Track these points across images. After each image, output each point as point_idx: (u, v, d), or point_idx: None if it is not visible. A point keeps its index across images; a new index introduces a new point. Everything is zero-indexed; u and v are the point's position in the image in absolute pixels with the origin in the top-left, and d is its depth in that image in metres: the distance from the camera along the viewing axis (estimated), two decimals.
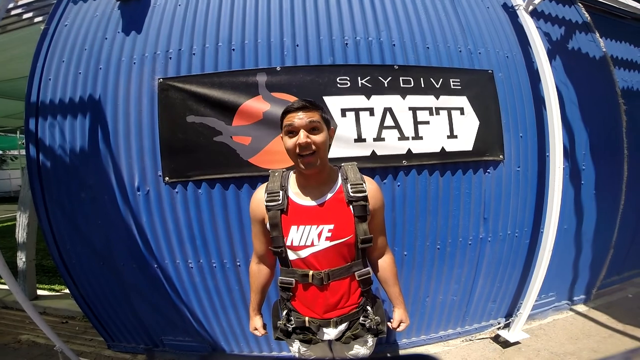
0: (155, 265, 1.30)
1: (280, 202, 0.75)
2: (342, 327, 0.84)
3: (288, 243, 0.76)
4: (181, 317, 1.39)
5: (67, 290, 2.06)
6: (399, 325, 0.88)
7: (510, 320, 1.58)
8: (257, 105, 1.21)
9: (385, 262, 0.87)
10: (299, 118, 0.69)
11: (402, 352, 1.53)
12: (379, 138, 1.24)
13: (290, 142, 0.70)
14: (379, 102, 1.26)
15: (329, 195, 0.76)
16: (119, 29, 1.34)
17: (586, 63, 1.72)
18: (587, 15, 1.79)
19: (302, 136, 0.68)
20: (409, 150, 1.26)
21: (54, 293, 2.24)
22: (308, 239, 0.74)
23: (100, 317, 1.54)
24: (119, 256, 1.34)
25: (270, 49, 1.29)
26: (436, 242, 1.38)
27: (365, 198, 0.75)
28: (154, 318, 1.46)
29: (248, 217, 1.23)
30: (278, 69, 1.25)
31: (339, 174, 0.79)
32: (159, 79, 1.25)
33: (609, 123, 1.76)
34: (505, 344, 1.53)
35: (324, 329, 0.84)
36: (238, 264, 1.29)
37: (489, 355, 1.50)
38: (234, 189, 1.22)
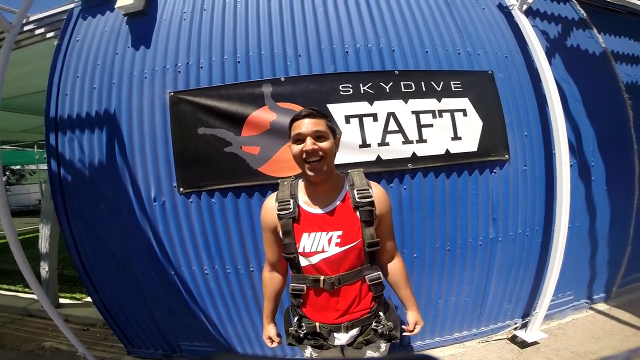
0: (172, 272, 1.35)
1: (291, 210, 0.78)
2: (354, 332, 0.85)
3: (300, 250, 0.78)
4: (197, 322, 1.43)
5: (88, 299, 2.14)
6: (414, 328, 0.88)
7: (527, 320, 1.55)
8: (264, 115, 1.25)
9: (394, 266, 0.88)
10: (306, 126, 0.72)
11: (402, 352, 1.52)
12: (383, 143, 1.26)
13: (297, 149, 0.73)
14: (381, 107, 1.29)
15: (337, 203, 0.78)
16: (128, 44, 1.41)
17: (586, 59, 1.71)
18: (582, 11, 1.79)
19: (309, 143, 0.71)
20: (414, 154, 1.28)
21: (75, 301, 2.32)
22: (319, 246, 0.77)
23: (120, 323, 1.60)
24: (138, 264, 1.40)
25: (274, 60, 1.34)
26: (446, 243, 1.38)
27: (371, 203, 0.77)
28: (171, 323, 1.50)
29: (260, 225, 1.28)
30: (282, 79, 1.30)
31: (346, 181, 0.82)
32: (170, 92, 1.31)
33: (616, 118, 1.74)
34: (523, 344, 1.50)
35: (335, 334, 0.85)
36: (251, 269, 1.33)
37: (506, 355, 1.47)
38: (245, 198, 1.26)
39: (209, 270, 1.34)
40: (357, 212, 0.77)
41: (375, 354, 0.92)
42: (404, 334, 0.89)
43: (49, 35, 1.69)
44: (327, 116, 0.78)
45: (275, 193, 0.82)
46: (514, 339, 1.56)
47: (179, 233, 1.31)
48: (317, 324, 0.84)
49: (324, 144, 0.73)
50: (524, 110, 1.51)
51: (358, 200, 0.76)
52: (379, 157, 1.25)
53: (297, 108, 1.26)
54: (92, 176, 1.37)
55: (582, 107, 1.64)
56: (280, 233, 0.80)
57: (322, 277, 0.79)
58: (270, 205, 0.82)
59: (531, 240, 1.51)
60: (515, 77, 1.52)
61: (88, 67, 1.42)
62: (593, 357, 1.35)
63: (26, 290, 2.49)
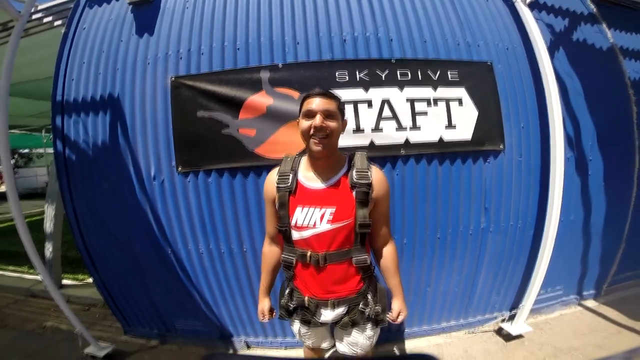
0: (169, 251, 1.40)
1: (289, 183, 0.81)
2: (340, 310, 0.87)
3: (293, 223, 0.81)
4: (192, 301, 1.48)
5: (89, 280, 2.21)
6: (398, 316, 0.89)
7: (514, 313, 1.56)
8: (261, 99, 1.28)
9: (387, 252, 0.89)
10: (317, 104, 0.74)
11: (402, 351, 1.53)
12: (377, 129, 1.28)
13: (306, 124, 0.75)
14: (377, 94, 1.31)
15: (335, 180, 0.80)
16: (132, 31, 1.45)
17: (592, 54, 1.69)
18: (592, 6, 1.76)
19: (318, 119, 0.73)
20: (407, 140, 1.29)
21: (77, 282, 2.39)
22: (311, 220, 0.79)
23: (119, 302, 1.65)
24: (137, 243, 1.45)
25: (272, 47, 1.37)
26: (436, 231, 1.39)
27: (368, 185, 0.78)
28: (167, 303, 1.55)
29: (254, 205, 1.32)
30: (280, 65, 1.32)
31: (347, 161, 0.84)
32: (172, 77, 1.35)
33: (618, 114, 1.72)
34: (508, 337, 1.52)
35: (322, 310, 0.87)
36: (244, 249, 1.36)
37: (490, 347, 1.49)
38: (240, 178, 1.30)
39: (204, 250, 1.38)
40: (354, 192, 0.78)
41: (361, 337, 0.94)
42: (388, 317, 0.90)
43: (56, 23, 1.74)
44: (339, 99, 0.79)
45: (278, 167, 0.85)
46: (500, 332, 1.58)
47: (177, 211, 1.35)
48: (306, 297, 0.87)
49: (332, 123, 0.75)
50: (522, 102, 1.51)
51: (355, 180, 0.78)
52: (372, 142, 1.27)
53: (294, 93, 1.29)
54: (96, 156, 1.41)
55: (584, 101, 1.62)
56: (277, 205, 0.83)
57: (309, 252, 0.81)
58: (271, 178, 0.86)
59: (523, 233, 1.51)
60: (515, 69, 1.52)
61: (94, 54, 1.46)
62: (575, 354, 1.36)
63: (31, 271, 2.58)
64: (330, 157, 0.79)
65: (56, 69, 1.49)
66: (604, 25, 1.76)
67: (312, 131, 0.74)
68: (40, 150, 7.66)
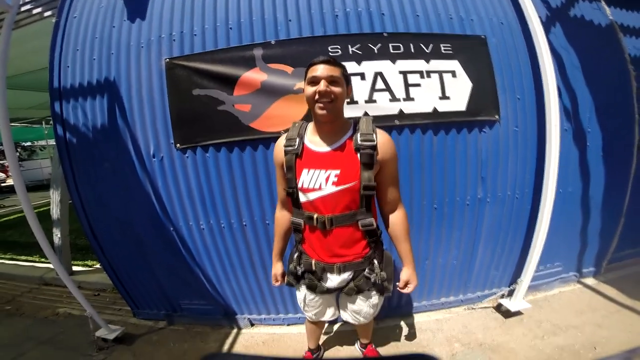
0: (171, 228, 1.43)
1: (296, 147, 0.83)
2: (346, 275, 0.88)
3: (299, 185, 0.83)
4: (195, 279, 1.51)
5: (98, 265, 2.26)
6: (405, 286, 0.88)
7: (512, 288, 1.56)
8: (255, 76, 1.29)
9: (396, 218, 0.88)
10: (322, 70, 0.75)
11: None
12: (370, 100, 1.29)
13: (311, 90, 0.76)
14: (369, 67, 1.31)
15: (340, 143, 0.82)
16: (124, 17, 1.46)
17: (590, 30, 1.67)
18: None
19: (323, 85, 0.74)
20: (401, 111, 1.30)
21: (87, 268, 2.46)
22: (317, 183, 0.81)
23: (127, 285, 1.69)
24: (139, 222, 1.48)
25: (264, 26, 1.37)
26: (433, 201, 1.40)
27: (373, 147, 0.78)
28: (172, 283, 1.59)
29: (252, 178, 1.35)
30: (273, 42, 1.33)
31: (352, 126, 0.85)
32: (166, 59, 1.37)
33: (617, 88, 1.70)
34: (507, 314, 1.53)
35: (328, 275, 0.89)
36: (244, 223, 1.39)
37: (489, 324, 1.50)
38: (237, 152, 1.32)
39: (205, 225, 1.41)
40: (358, 155, 0.79)
41: (365, 305, 0.96)
42: (397, 288, 0.90)
43: (46, 14, 1.76)
44: (344, 66, 0.80)
45: (287, 133, 0.88)
46: (499, 308, 1.58)
47: (177, 187, 1.38)
48: (313, 260, 0.89)
49: (337, 89, 0.76)
50: (518, 75, 1.50)
51: (360, 143, 0.79)
52: (365, 114, 1.28)
53: (287, 69, 1.30)
54: (96, 138, 1.44)
55: (581, 75, 1.60)
56: (285, 168, 0.86)
57: (315, 215, 0.83)
58: (280, 143, 0.88)
59: (521, 204, 1.52)
60: (510, 43, 1.51)
61: (87, 40, 1.48)
62: (574, 332, 1.37)
63: (42, 260, 2.65)
64: (335, 122, 0.81)
65: (50, 57, 1.51)
66: (603, 3, 1.73)
67: (316, 97, 0.75)
68: (43, 143, 7.69)
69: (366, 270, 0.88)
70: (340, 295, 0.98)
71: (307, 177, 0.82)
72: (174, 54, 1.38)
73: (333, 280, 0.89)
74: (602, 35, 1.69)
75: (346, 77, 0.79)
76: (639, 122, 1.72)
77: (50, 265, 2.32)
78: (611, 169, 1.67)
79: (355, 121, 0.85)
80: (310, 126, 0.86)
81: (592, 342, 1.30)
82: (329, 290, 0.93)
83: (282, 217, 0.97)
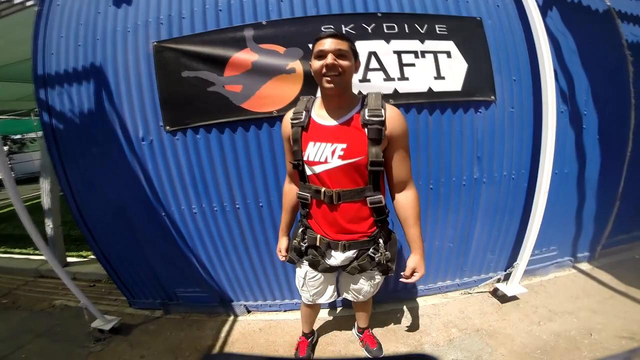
0: (163, 214, 1.40)
1: (302, 119, 0.82)
2: (350, 253, 0.87)
3: (305, 158, 0.82)
4: (190, 266, 1.50)
5: (93, 256, 2.20)
6: (411, 274, 0.85)
7: (509, 272, 1.57)
8: (246, 56, 1.26)
9: (406, 198, 0.85)
10: (329, 44, 0.73)
11: (398, 311, 1.55)
12: (364, 79, 1.26)
13: (318, 64, 0.74)
14: (363, 46, 1.28)
15: (347, 117, 0.80)
16: (109, 2, 1.41)
17: (587, 16, 1.65)
18: None
19: (330, 58, 0.72)
20: (395, 90, 1.28)
21: (81, 259, 2.43)
22: (322, 156, 0.80)
23: (121, 274, 1.67)
24: (130, 208, 1.45)
25: (255, 7, 1.33)
26: (429, 181, 1.39)
27: (381, 122, 0.76)
28: (166, 270, 1.57)
29: (244, 160, 1.32)
30: (264, 23, 1.29)
31: (360, 100, 0.83)
32: (154, 42, 1.33)
33: (614, 73, 1.69)
34: (503, 299, 1.53)
35: (333, 252, 0.88)
36: (237, 206, 1.37)
37: (486, 309, 1.50)
38: (229, 133, 1.29)
39: (197, 209, 1.38)
40: (365, 130, 0.77)
41: (367, 284, 0.95)
42: (400, 279, 0.87)
43: (28, 3, 1.69)
44: (351, 40, 0.78)
45: (295, 107, 0.87)
46: (495, 292, 1.59)
47: (167, 171, 1.35)
48: (318, 236, 0.88)
49: (344, 62, 0.74)
50: (514, 57, 1.48)
51: (367, 118, 0.77)
52: (360, 93, 1.25)
53: (279, 49, 1.27)
54: (83, 123, 1.41)
55: (578, 59, 1.59)
56: (291, 141, 0.85)
57: (323, 189, 0.82)
58: (287, 116, 0.87)
59: (517, 185, 1.51)
60: (506, 25, 1.49)
61: (71, 27, 1.44)
62: (570, 318, 1.37)
63: (37, 252, 2.60)
64: (342, 96, 0.79)
65: (34, 45, 1.47)
66: None
67: (324, 70, 0.74)
68: (33, 135, 7.53)
69: (370, 249, 0.87)
70: (342, 273, 0.97)
71: (312, 150, 0.80)
72: (162, 37, 1.34)
73: (337, 257, 0.88)
74: (600, 21, 1.67)
75: (354, 52, 0.77)
76: (635, 107, 1.72)
77: (43, 257, 2.30)
78: (607, 153, 1.67)
79: (364, 97, 0.83)
80: (318, 101, 0.85)
81: (587, 328, 1.30)
82: (331, 268, 0.91)
83: (289, 191, 0.96)
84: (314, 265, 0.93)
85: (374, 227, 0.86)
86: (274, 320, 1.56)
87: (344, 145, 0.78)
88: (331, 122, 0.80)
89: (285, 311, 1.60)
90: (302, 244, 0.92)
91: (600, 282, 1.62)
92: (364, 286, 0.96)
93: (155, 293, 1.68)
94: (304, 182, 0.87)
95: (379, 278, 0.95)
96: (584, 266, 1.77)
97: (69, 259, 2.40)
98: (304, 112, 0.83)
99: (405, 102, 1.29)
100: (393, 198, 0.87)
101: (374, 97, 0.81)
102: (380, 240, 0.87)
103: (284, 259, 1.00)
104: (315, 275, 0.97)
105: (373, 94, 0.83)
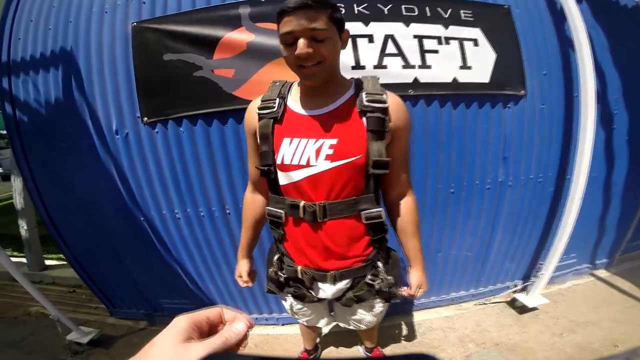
0: (142, 218, 1.23)
1: (274, 109, 0.60)
2: (342, 284, 0.66)
3: (278, 161, 0.60)
4: (174, 276, 1.33)
5: None
6: (416, 291, 0.70)
7: (528, 283, 1.45)
8: (241, 36, 1.07)
9: (405, 206, 0.67)
10: (298, 22, 0.50)
11: (409, 324, 1.42)
12: (380, 65, 1.09)
13: (287, 52, 0.54)
14: (378, 28, 1.11)
15: (337, 105, 0.59)
16: None
17: (617, 11, 1.50)
18: None
19: (302, 45, 0.51)
20: (416, 79, 1.11)
21: (62, 262, 2.23)
22: (303, 157, 0.58)
23: (98, 281, 1.50)
24: (105, 211, 1.27)
25: None
26: (450, 184, 1.23)
27: (384, 110, 0.58)
28: (148, 280, 1.41)
29: (235, 157, 1.12)
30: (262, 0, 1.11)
31: (354, 84, 0.63)
32: (133, 23, 1.14)
33: None
34: (522, 310, 1.42)
35: (320, 284, 0.68)
36: (227, 211, 1.20)
37: (504, 321, 1.40)
38: (217, 125, 1.10)
39: (181, 214, 1.21)
40: (364, 119, 0.58)
41: (368, 315, 0.76)
42: (401, 293, 0.71)
43: None
44: (331, 5, 0.53)
45: (263, 94, 0.64)
46: (512, 303, 1.47)
47: (145, 170, 1.16)
48: (299, 267, 0.66)
49: (324, 47, 0.52)
50: (544, 49, 1.33)
51: (366, 103, 0.57)
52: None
53: None
54: (50, 114, 1.22)
55: (609, 55, 1.45)
56: (258, 137, 0.62)
57: (302, 203, 0.60)
58: (253, 105, 0.65)
59: (543, 188, 1.37)
60: (535, 16, 1.33)
61: (43, 10, 1.26)
62: (593, 329, 1.28)
63: (15, 254, 2.39)
64: (329, 83, 0.59)
65: (0, 32, 1.28)
66: None
67: (298, 61, 0.53)
68: None
69: (368, 276, 0.68)
70: (336, 305, 0.78)
71: (288, 150, 0.59)
72: (143, 17, 1.15)
73: (326, 290, 0.68)
74: (630, 17, 1.53)
75: (337, 20, 0.54)
76: None
77: (24, 260, 2.12)
78: (635, 155, 1.54)
79: (358, 81, 0.64)
80: (296, 85, 0.65)
81: (612, 339, 1.23)
82: (321, 300, 0.72)
83: (252, 202, 0.74)
84: (299, 297, 0.73)
85: (370, 248, 0.66)
86: (271, 335, 1.41)
87: (334, 141, 0.57)
88: (315, 110, 0.59)
89: (283, 325, 1.45)
90: (280, 274, 0.71)
91: (621, 290, 1.53)
92: (365, 316, 0.77)
93: (138, 303, 1.51)
94: (276, 195, 0.65)
95: (381, 307, 0.75)
96: (602, 273, 1.68)
97: (49, 262, 2.20)
98: (278, 99, 0.61)
99: (427, 92, 1.12)
100: (389, 205, 0.69)
101: (370, 80, 0.63)
102: (379, 264, 0.68)
103: (245, 285, 0.78)
104: (303, 307, 0.78)
105: (369, 76, 0.64)
